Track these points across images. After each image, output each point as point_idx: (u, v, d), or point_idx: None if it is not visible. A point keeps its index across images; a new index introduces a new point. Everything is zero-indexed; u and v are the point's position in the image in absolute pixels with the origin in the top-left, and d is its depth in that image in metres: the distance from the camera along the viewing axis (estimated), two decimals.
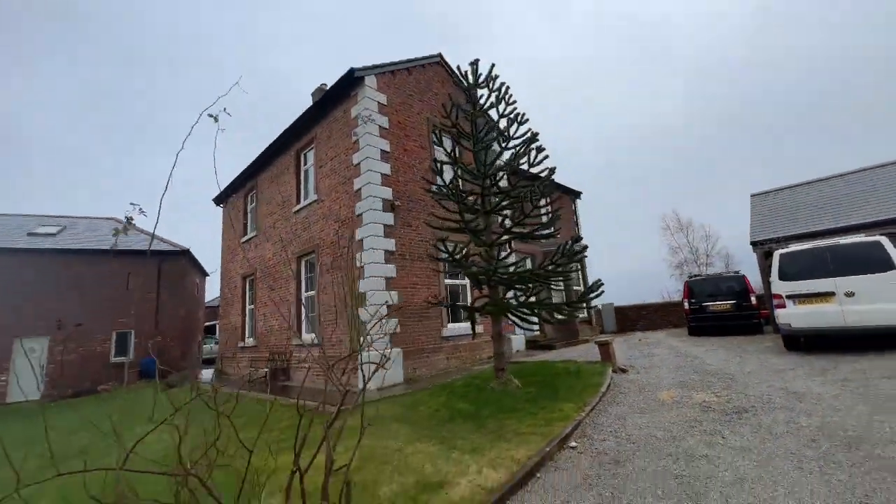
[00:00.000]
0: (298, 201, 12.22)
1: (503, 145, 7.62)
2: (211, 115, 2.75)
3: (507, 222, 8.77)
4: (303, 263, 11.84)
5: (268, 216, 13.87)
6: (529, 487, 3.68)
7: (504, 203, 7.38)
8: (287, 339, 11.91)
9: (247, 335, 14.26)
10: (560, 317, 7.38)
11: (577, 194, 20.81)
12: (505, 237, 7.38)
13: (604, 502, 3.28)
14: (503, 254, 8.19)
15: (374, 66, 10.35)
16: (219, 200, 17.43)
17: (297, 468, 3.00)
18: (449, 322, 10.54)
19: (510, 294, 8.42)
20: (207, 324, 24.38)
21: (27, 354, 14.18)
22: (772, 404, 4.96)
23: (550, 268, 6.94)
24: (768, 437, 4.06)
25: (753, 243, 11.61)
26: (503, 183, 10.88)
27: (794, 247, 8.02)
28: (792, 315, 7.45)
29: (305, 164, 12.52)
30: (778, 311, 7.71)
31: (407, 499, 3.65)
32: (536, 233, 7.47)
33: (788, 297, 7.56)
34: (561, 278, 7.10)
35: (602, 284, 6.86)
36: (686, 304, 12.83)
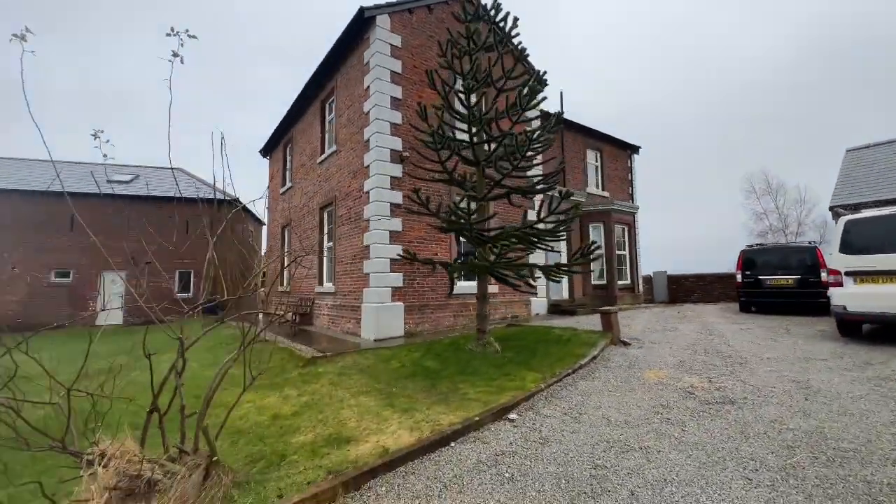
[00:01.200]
0: (322, 152, 12.27)
1: (500, 86, 6.77)
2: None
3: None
4: (325, 214, 12.06)
5: (300, 168, 14.19)
6: (432, 456, 3.42)
7: (498, 150, 6.66)
8: (311, 288, 12.46)
9: (284, 281, 15.19)
10: (555, 279, 6.72)
11: (633, 149, 18.68)
12: (495, 191, 6.73)
13: (495, 483, 2.93)
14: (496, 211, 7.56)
15: (389, 4, 9.64)
16: (265, 152, 18.18)
17: (155, 408, 3.01)
18: (459, 279, 10.22)
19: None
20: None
21: (109, 286, 16.42)
22: (768, 398, 4.11)
23: (541, 227, 6.26)
24: (736, 437, 3.36)
25: (832, 208, 9.59)
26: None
27: (868, 212, 6.41)
28: (849, 296, 6.08)
29: (330, 114, 12.40)
30: (833, 291, 6.34)
31: (309, 450, 3.59)
32: (535, 186, 6.72)
33: (847, 273, 6.14)
34: (549, 238, 6.38)
35: (597, 247, 6.07)
36: (739, 277, 11.20)
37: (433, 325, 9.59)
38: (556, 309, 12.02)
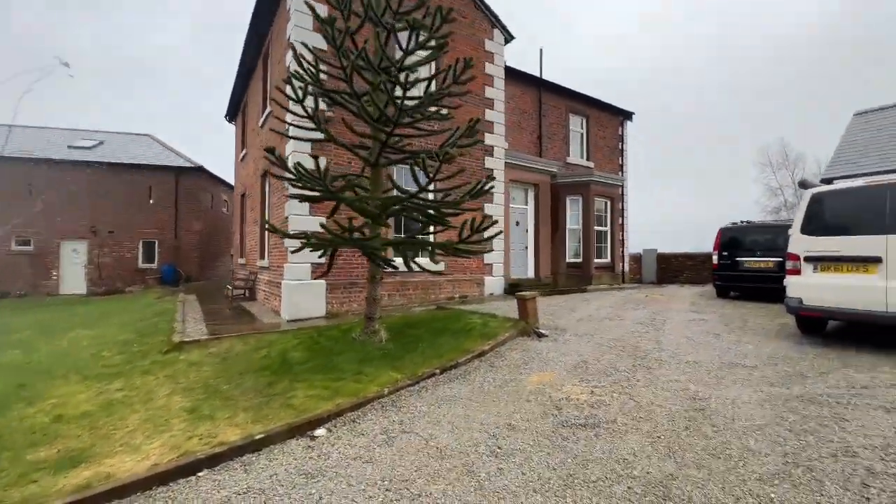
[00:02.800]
0: (262, 114, 11.27)
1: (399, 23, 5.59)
2: None
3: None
4: (266, 182, 11.18)
5: (251, 132, 13.24)
6: (158, 492, 2.62)
7: (398, 103, 5.56)
8: (255, 261, 11.76)
9: (240, 254, 14.56)
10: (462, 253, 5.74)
11: (626, 115, 17.04)
12: (394, 157, 5.69)
13: None
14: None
15: None
16: (230, 116, 17.23)
17: None
18: (396, 256, 9.30)
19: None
20: None
21: (72, 255, 16.10)
22: (642, 422, 3.15)
23: (431, 196, 5.23)
24: (556, 485, 2.45)
25: (825, 181, 8.20)
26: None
27: (841, 184, 5.16)
28: (806, 286, 4.95)
29: (270, 72, 11.31)
30: (788, 280, 5.20)
31: (20, 473, 2.84)
32: (448, 147, 5.65)
33: (808, 259, 4.98)
34: (449, 211, 5.36)
35: (493, 223, 5.08)
36: (715, 258, 9.99)
37: (363, 305, 8.75)
38: (514, 289, 11.04)
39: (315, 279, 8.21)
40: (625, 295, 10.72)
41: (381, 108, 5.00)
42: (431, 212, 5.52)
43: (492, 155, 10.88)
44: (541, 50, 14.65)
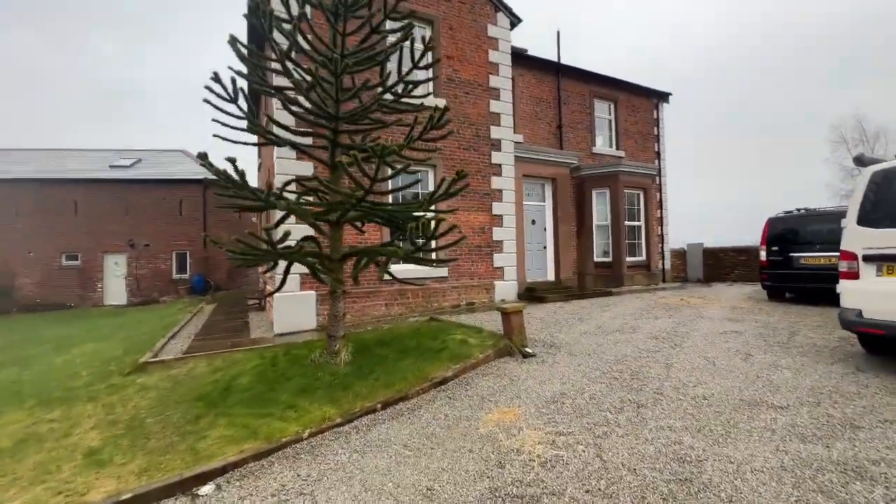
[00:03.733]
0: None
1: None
2: None
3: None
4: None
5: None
6: None
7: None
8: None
9: None
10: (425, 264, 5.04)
11: (661, 97, 15.41)
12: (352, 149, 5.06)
13: None
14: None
15: None
16: None
17: None
18: (392, 262, 8.72)
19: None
20: None
21: (113, 268, 17.10)
22: (605, 495, 2.30)
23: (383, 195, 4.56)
24: None
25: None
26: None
27: None
28: (867, 294, 3.75)
29: None
30: (843, 285, 4.00)
31: None
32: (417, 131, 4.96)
33: (867, 259, 3.77)
34: (400, 215, 4.65)
35: (453, 227, 4.32)
36: (763, 254, 8.50)
37: (357, 315, 8.28)
38: (530, 294, 10.10)
39: (304, 290, 7.80)
40: (655, 298, 9.44)
41: (321, 104, 4.41)
42: (397, 216, 4.84)
43: (499, 149, 10.02)
44: (558, 32, 13.49)
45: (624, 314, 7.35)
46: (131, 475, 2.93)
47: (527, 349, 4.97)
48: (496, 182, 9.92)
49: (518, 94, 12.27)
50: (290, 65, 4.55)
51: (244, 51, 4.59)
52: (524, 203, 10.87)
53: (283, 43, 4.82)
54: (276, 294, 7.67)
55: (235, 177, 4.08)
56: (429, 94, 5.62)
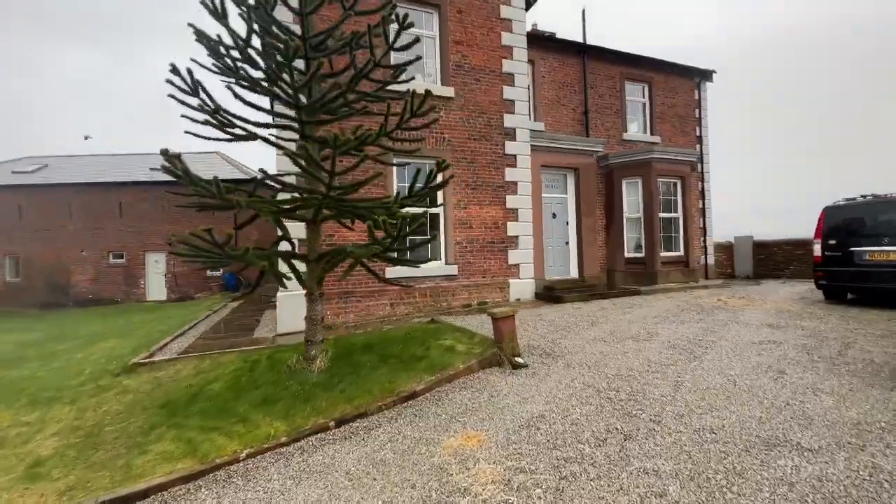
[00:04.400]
0: None
1: None
2: None
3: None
4: None
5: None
6: None
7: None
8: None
9: None
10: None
11: (703, 76, 14.01)
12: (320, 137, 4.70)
13: None
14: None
15: None
16: None
17: None
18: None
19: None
20: None
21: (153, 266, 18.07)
22: None
23: (336, 184, 4.18)
24: None
25: None
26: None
27: None
28: None
29: None
30: None
31: None
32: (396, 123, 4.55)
33: None
34: (361, 205, 4.23)
35: (420, 225, 3.86)
36: (817, 249, 7.35)
37: (361, 315, 8.02)
38: (549, 293, 9.41)
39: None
40: (689, 299, 8.49)
41: (286, 91, 4.08)
42: (362, 212, 4.44)
43: (514, 138, 9.38)
44: (583, 11, 12.53)
45: (646, 317, 6.57)
46: (54, 494, 2.75)
47: (518, 359, 4.43)
48: (510, 174, 9.30)
49: (538, 79, 11.52)
50: (251, 52, 4.26)
51: (212, 40, 4.35)
52: (543, 195, 10.17)
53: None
54: (279, 293, 7.60)
55: (180, 173, 3.84)
56: (412, 78, 5.16)
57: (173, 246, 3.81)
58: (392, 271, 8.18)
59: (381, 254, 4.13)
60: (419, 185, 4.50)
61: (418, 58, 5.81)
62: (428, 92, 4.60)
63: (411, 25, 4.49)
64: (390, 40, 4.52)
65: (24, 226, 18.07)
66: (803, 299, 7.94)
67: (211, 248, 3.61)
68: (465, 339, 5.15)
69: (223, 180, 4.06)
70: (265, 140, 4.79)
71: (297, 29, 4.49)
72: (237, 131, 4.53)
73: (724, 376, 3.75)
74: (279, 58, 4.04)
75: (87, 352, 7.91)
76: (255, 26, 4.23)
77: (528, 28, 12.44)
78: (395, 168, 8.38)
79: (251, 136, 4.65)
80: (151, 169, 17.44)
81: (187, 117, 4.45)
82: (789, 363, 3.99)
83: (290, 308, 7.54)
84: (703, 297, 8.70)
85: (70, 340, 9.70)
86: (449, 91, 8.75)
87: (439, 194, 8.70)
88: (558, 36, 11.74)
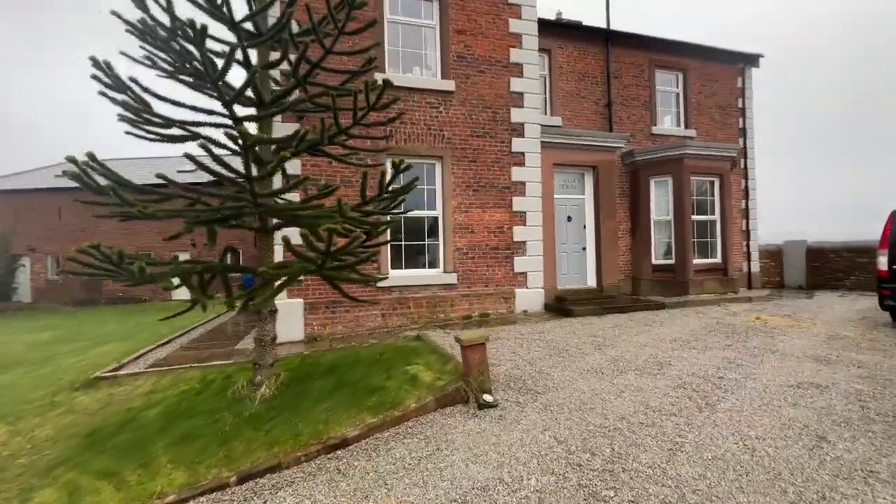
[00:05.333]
0: None
1: None
2: None
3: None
4: None
5: None
6: None
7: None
8: None
9: None
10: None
11: (749, 61, 12.51)
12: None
13: None
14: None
15: None
16: None
17: None
18: (391, 268, 7.81)
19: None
20: None
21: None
22: None
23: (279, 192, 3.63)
24: None
25: None
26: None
27: None
28: None
29: None
30: None
31: None
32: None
33: None
34: (303, 214, 3.65)
35: (361, 239, 3.24)
36: (883, 262, 6.09)
37: (350, 326, 7.52)
38: (560, 304, 8.51)
39: (291, 299, 7.20)
40: (721, 315, 7.37)
41: (208, 72, 3.57)
42: (284, 216, 3.87)
43: (521, 135, 8.57)
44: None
45: (662, 340, 5.63)
46: None
47: (486, 396, 3.71)
48: (517, 173, 8.50)
49: (556, 69, 10.60)
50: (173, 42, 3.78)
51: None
52: (556, 196, 9.29)
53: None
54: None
55: (88, 181, 3.41)
56: (371, 69, 4.50)
57: (68, 263, 3.39)
58: (388, 277, 7.61)
59: (315, 271, 3.53)
60: (389, 190, 3.88)
61: (377, 44, 5.17)
62: (387, 82, 3.95)
63: (364, 5, 3.86)
64: (339, 23, 3.90)
65: (63, 226, 19.11)
66: (864, 320, 6.66)
67: (103, 266, 3.14)
68: (437, 366, 4.47)
69: (162, 185, 3.61)
70: (206, 142, 4.32)
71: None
72: (174, 131, 4.09)
73: (740, 438, 2.86)
74: (188, 44, 3.52)
75: (81, 357, 7.88)
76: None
77: (553, 17, 11.57)
78: (389, 168, 7.81)
79: (191, 137, 4.19)
80: (179, 171, 17.69)
81: (124, 118, 4.04)
82: (834, 422, 3.04)
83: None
84: (740, 313, 7.54)
85: (78, 342, 9.84)
86: (449, 84, 8.07)
87: (437, 196, 8.06)
88: (581, 23, 10.75)
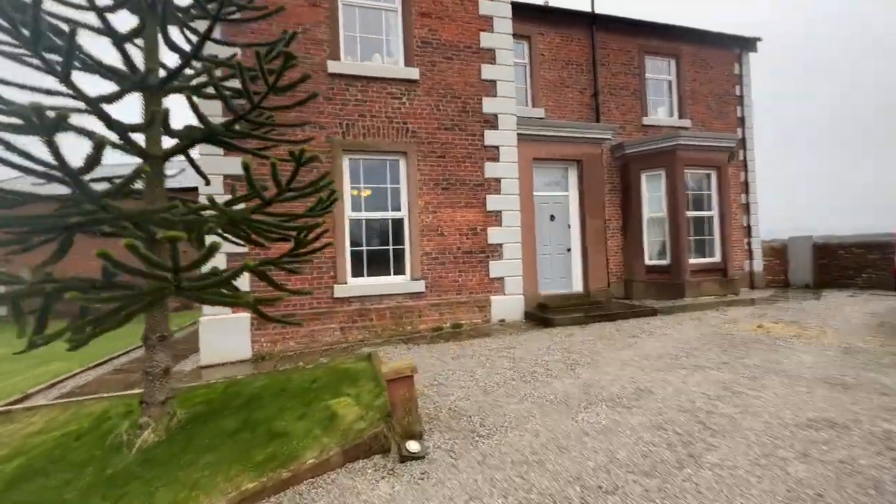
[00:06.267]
0: None
1: None
2: None
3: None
4: None
5: None
6: None
7: None
8: None
9: None
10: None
11: (745, 45, 11.70)
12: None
13: None
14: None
15: None
16: None
17: None
18: (351, 276, 7.05)
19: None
20: None
21: None
22: None
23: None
24: None
25: None
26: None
27: None
28: None
29: None
30: None
31: None
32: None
33: None
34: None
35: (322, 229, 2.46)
36: None
37: (304, 342, 6.76)
38: (542, 311, 7.72)
39: (236, 313, 6.45)
40: (720, 322, 6.56)
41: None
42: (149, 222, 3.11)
43: (495, 127, 7.80)
44: None
45: (647, 356, 4.83)
46: None
47: (411, 444, 2.93)
48: (491, 169, 7.73)
49: (536, 57, 9.84)
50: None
51: None
52: (537, 194, 8.51)
53: None
54: (202, 318, 6.47)
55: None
56: (234, 47, 3.76)
57: None
58: (342, 290, 6.87)
59: (174, 293, 2.77)
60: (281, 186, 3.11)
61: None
62: (289, 55, 3.19)
63: None
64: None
65: None
66: (881, 327, 5.83)
67: None
68: (369, 398, 3.70)
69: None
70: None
71: None
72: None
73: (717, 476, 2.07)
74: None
75: (22, 376, 7.15)
76: None
77: (530, 0, 10.79)
78: (346, 164, 7.06)
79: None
80: (167, 176, 16.50)
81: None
82: (860, 488, 2.24)
83: (214, 336, 6.38)
84: (740, 319, 6.72)
85: (34, 358, 9.13)
86: (413, 73, 7.31)
87: (402, 196, 7.29)
88: (562, 6, 9.98)
